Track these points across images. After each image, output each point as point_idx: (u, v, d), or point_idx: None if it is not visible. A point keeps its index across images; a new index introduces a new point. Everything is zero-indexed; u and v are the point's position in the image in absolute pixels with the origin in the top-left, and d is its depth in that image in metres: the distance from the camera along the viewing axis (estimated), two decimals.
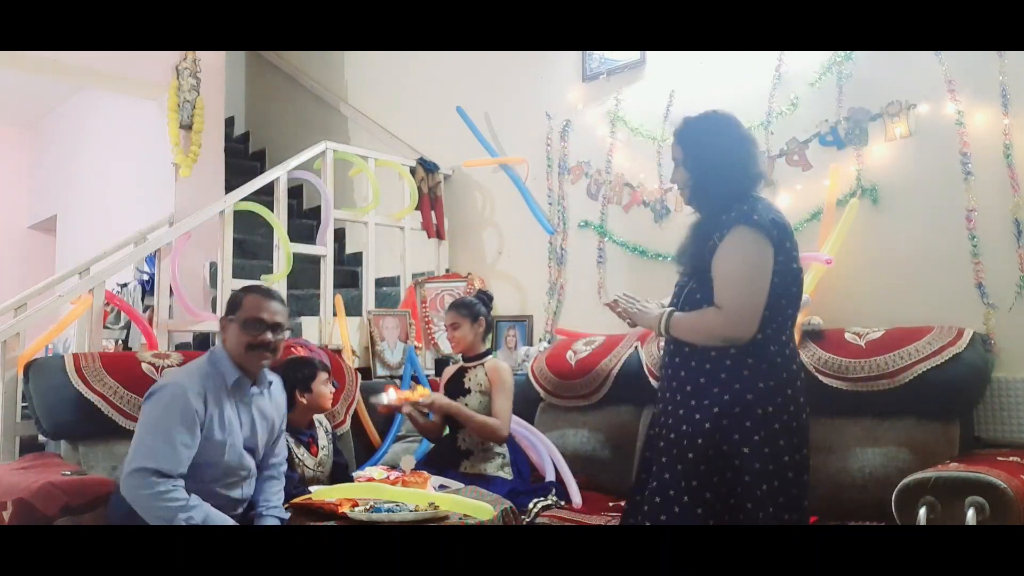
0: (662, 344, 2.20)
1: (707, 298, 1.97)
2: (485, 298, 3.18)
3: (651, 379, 2.98)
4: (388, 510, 2.26)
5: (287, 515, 2.39)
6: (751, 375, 1.91)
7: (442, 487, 2.66)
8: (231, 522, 2.18)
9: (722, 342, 1.93)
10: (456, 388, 3.04)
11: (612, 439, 3.11)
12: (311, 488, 2.58)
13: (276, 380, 2.48)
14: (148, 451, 2.08)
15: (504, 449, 2.96)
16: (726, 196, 1.98)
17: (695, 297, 2.01)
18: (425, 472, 2.70)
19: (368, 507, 2.29)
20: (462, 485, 2.70)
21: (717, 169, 2.00)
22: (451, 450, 2.97)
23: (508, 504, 2.48)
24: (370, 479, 2.62)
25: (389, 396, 2.94)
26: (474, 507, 2.35)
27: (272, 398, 2.43)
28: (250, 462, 2.32)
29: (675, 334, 2.02)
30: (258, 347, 2.29)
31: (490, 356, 3.09)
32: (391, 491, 2.45)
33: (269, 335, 2.31)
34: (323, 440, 2.84)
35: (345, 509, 2.28)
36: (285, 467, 2.50)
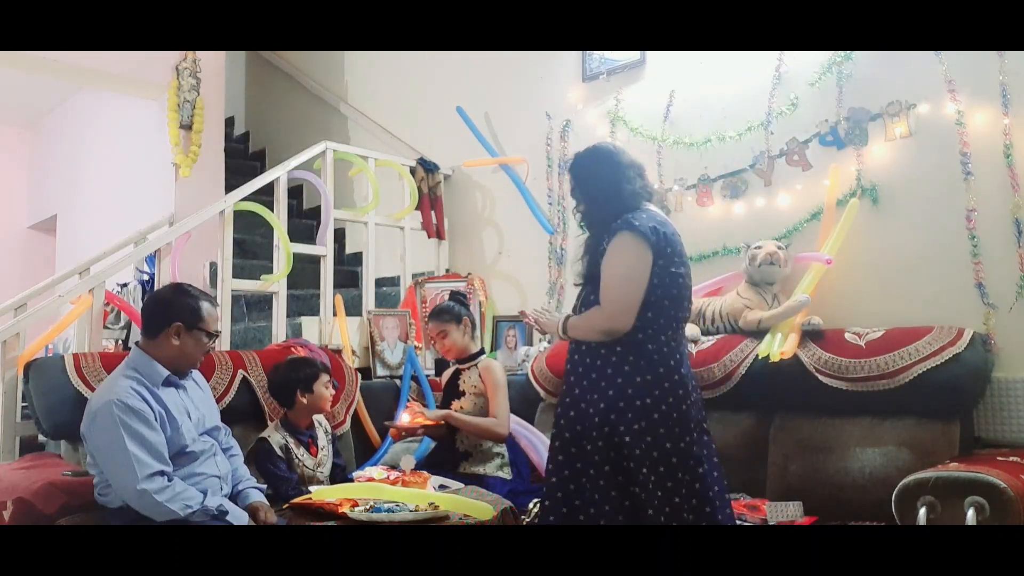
0: None
1: (599, 299, 2.17)
2: (460, 298, 3.18)
3: None
4: (388, 510, 2.26)
5: (264, 486, 2.50)
6: (631, 371, 2.11)
7: (442, 487, 2.66)
8: (226, 501, 2.25)
9: (604, 336, 2.14)
10: (452, 391, 3.04)
11: None
12: (311, 488, 2.58)
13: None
14: (138, 462, 2.08)
15: (503, 449, 2.95)
16: (608, 215, 2.20)
17: (590, 299, 2.21)
18: (425, 472, 2.71)
19: (368, 507, 2.29)
20: (462, 485, 2.70)
21: (598, 194, 2.26)
22: (450, 451, 2.97)
23: (508, 504, 2.49)
24: (370, 479, 2.62)
25: (402, 420, 2.99)
26: (474, 507, 2.35)
27: (196, 382, 2.45)
28: (208, 438, 2.35)
29: (571, 335, 2.24)
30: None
31: (483, 356, 3.08)
32: (391, 491, 2.45)
33: (212, 343, 2.42)
34: (323, 441, 2.84)
35: (345, 509, 2.29)
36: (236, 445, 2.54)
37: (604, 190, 2.23)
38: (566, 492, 2.12)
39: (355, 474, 2.79)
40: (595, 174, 2.27)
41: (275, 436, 2.72)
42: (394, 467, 2.80)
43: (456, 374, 3.08)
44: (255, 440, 2.73)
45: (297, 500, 2.44)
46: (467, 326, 3.07)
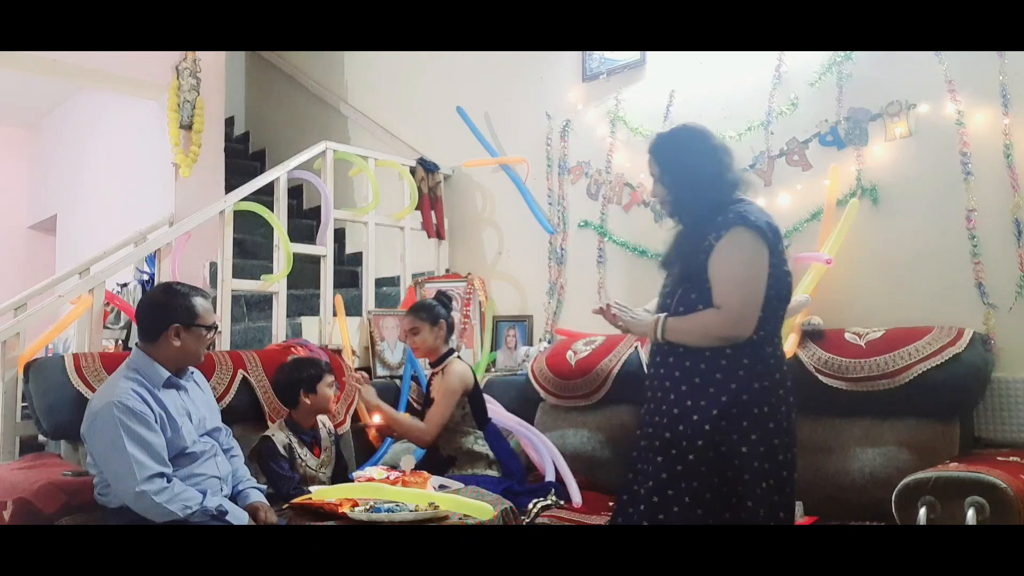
0: None
1: (703, 299, 1.99)
2: (445, 299, 3.11)
3: None
4: (388, 510, 2.26)
5: (264, 485, 2.48)
6: (747, 375, 1.94)
7: (442, 487, 2.66)
8: (226, 501, 2.24)
9: (722, 342, 1.96)
10: (427, 399, 3.02)
11: (612, 439, 3.10)
12: (311, 488, 2.59)
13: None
14: (138, 464, 2.08)
15: (485, 448, 2.92)
16: (708, 205, 2.02)
17: (690, 298, 2.02)
18: (425, 472, 2.71)
19: (368, 507, 2.29)
20: (462, 485, 2.70)
21: (694, 181, 2.05)
22: (436, 458, 2.96)
23: (508, 504, 2.49)
24: (370, 479, 2.62)
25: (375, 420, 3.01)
26: (474, 507, 2.35)
27: (197, 383, 2.45)
28: (209, 439, 2.35)
29: (671, 338, 2.03)
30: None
31: (453, 356, 3.01)
32: (391, 491, 2.45)
33: (212, 335, 2.40)
34: (326, 441, 2.85)
35: (345, 509, 2.29)
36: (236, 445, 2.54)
37: (702, 177, 2.03)
38: (650, 504, 1.96)
39: (355, 474, 2.78)
40: (688, 158, 2.06)
41: (279, 435, 2.72)
42: (394, 467, 2.80)
43: (430, 379, 3.05)
44: (259, 438, 2.73)
45: (297, 500, 2.44)
46: (441, 328, 2.99)
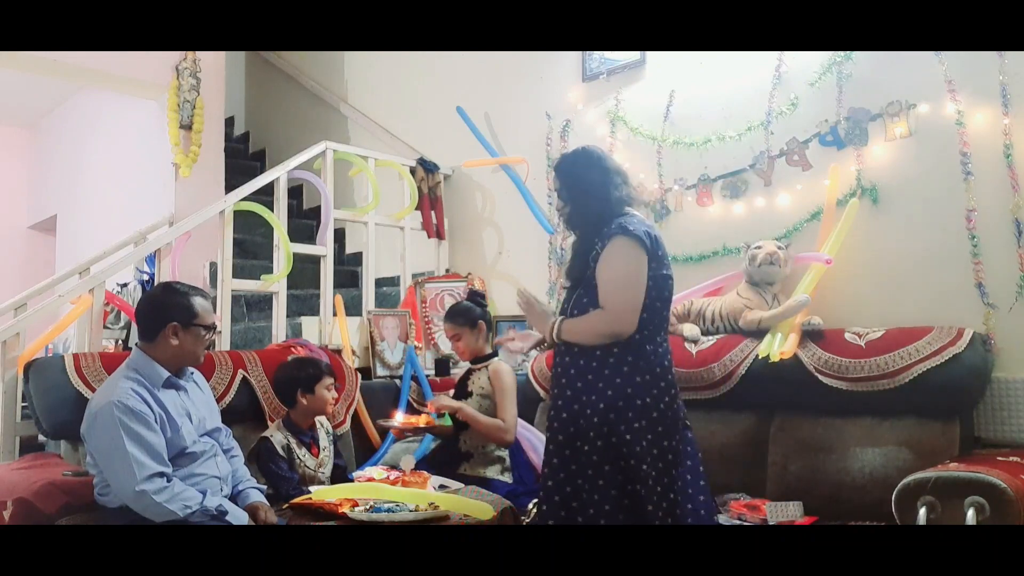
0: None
1: (593, 302, 2.18)
2: (479, 299, 3.17)
3: None
4: (388, 510, 2.26)
5: (264, 486, 2.49)
6: (630, 370, 2.13)
7: (442, 487, 2.66)
8: (226, 501, 2.24)
9: (607, 339, 2.14)
10: (460, 392, 3.04)
11: None
12: (311, 488, 2.59)
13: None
14: (137, 464, 2.08)
15: (504, 453, 2.94)
16: (597, 218, 2.23)
17: (582, 302, 2.21)
18: (425, 472, 2.71)
19: (368, 507, 2.30)
20: (462, 485, 2.70)
21: (586, 197, 2.27)
22: (452, 452, 2.97)
23: (508, 504, 2.49)
24: (370, 479, 2.63)
25: (397, 419, 2.99)
26: (474, 507, 2.35)
27: (197, 383, 2.45)
28: (209, 439, 2.35)
29: (566, 338, 2.22)
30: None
31: (495, 358, 3.07)
32: (391, 491, 2.45)
33: (211, 336, 2.41)
34: (324, 441, 2.85)
35: (345, 509, 2.29)
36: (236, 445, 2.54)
37: (591, 193, 2.25)
38: (563, 495, 2.12)
39: (355, 474, 2.79)
40: (582, 177, 2.29)
41: (277, 436, 2.72)
42: (394, 467, 2.81)
43: (467, 374, 3.08)
44: (257, 439, 2.73)
45: (297, 500, 2.44)
46: (481, 329, 3.06)
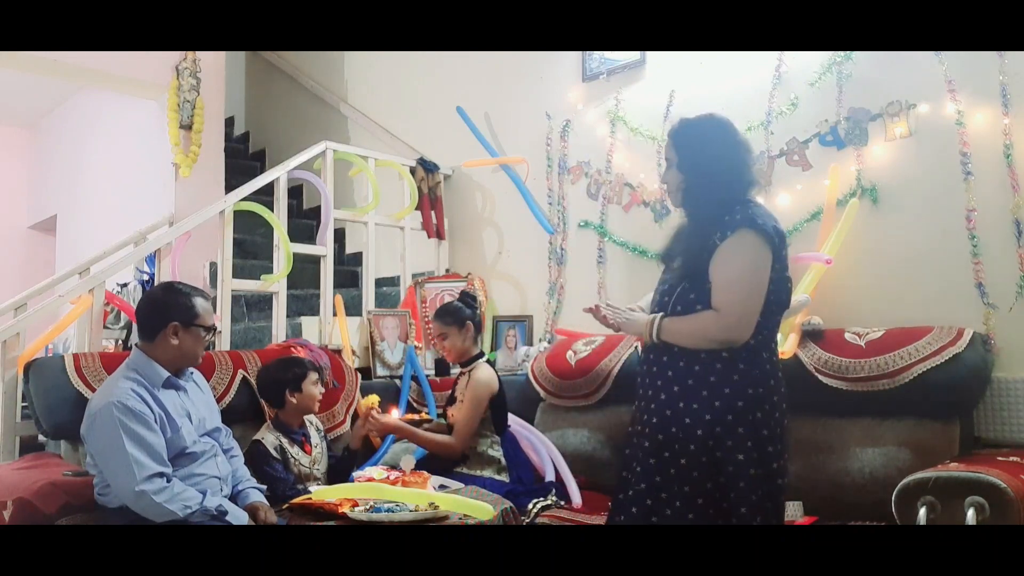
0: None
1: (701, 300, 1.94)
2: (469, 300, 3.11)
3: None
4: (388, 510, 2.26)
5: (263, 486, 2.47)
6: (741, 380, 1.91)
7: (442, 487, 2.66)
8: (226, 501, 2.24)
9: (718, 345, 1.92)
10: (451, 396, 3.04)
11: (612, 439, 3.10)
12: (311, 488, 2.59)
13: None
14: (137, 464, 2.08)
15: (499, 454, 2.92)
16: (720, 201, 1.96)
17: (688, 298, 1.97)
18: (425, 472, 2.71)
19: (368, 507, 2.30)
20: (462, 485, 2.70)
21: (713, 173, 1.98)
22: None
23: (508, 504, 2.49)
24: (370, 479, 2.62)
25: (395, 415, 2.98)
26: (474, 507, 2.35)
27: (197, 384, 2.45)
28: (209, 439, 2.35)
29: (666, 339, 1.98)
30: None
31: (481, 360, 3.02)
32: (391, 491, 2.45)
33: (211, 337, 2.42)
34: (315, 438, 2.86)
35: (345, 509, 2.29)
36: (236, 445, 2.54)
37: (718, 170, 1.97)
38: (645, 507, 1.94)
39: (355, 474, 2.79)
40: (710, 149, 1.99)
41: (269, 437, 2.72)
42: (394, 467, 2.80)
43: (457, 378, 3.07)
44: (249, 443, 2.73)
45: (297, 500, 2.44)
46: (469, 330, 3.00)
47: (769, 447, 1.91)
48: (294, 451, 2.74)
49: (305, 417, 2.86)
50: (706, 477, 1.91)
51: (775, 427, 1.93)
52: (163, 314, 2.28)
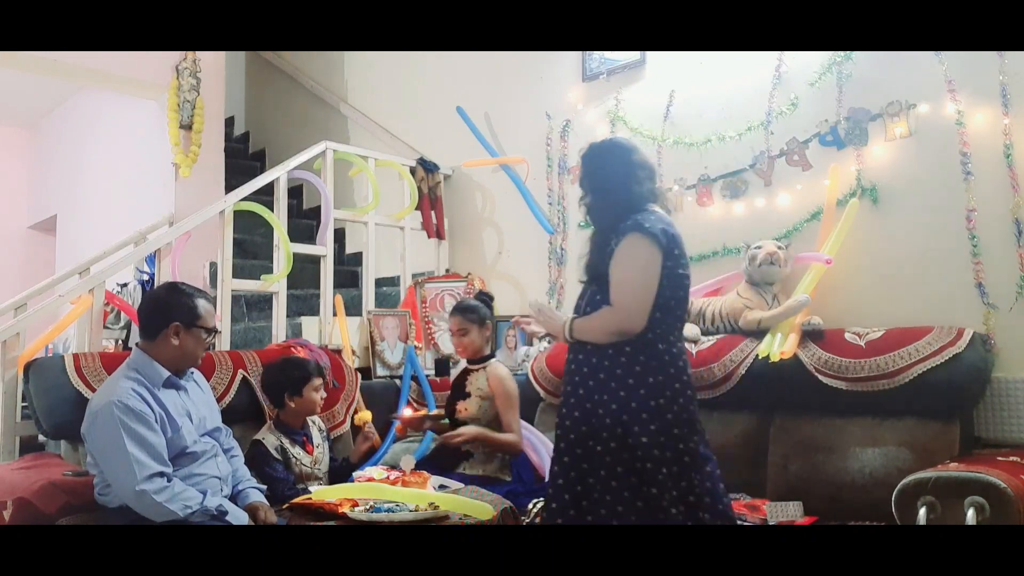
0: None
1: (606, 299, 2.14)
2: (487, 299, 3.16)
3: None
4: (388, 510, 2.26)
5: (264, 486, 2.47)
6: (642, 371, 2.10)
7: (442, 487, 2.66)
8: (226, 501, 2.24)
9: (616, 337, 2.11)
10: (458, 391, 3.04)
11: None
12: (311, 487, 2.58)
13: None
14: (138, 463, 2.08)
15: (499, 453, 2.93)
16: (616, 212, 2.18)
17: (596, 300, 2.18)
18: (425, 472, 2.71)
19: (368, 507, 2.29)
20: (462, 485, 2.70)
21: (608, 190, 2.22)
22: (453, 451, 2.96)
23: (508, 504, 2.49)
24: (370, 479, 2.62)
25: (404, 412, 3.04)
26: (474, 507, 2.35)
27: (197, 383, 2.45)
28: (209, 439, 2.35)
29: (577, 336, 2.19)
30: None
31: (492, 360, 3.06)
32: (391, 491, 2.45)
33: (212, 339, 2.41)
34: (317, 438, 2.85)
35: (345, 509, 2.29)
36: (236, 445, 2.54)
37: (611, 186, 2.21)
38: (574, 494, 2.10)
39: (355, 474, 2.78)
40: (605, 168, 2.24)
41: (269, 438, 2.72)
42: (394, 467, 2.80)
43: (464, 374, 3.07)
44: (250, 443, 2.73)
45: (297, 500, 2.44)
46: (488, 329, 3.06)
47: (675, 429, 2.08)
48: (295, 451, 2.74)
49: (308, 418, 2.86)
50: (625, 464, 2.07)
51: (680, 412, 2.10)
52: (165, 314, 2.28)
